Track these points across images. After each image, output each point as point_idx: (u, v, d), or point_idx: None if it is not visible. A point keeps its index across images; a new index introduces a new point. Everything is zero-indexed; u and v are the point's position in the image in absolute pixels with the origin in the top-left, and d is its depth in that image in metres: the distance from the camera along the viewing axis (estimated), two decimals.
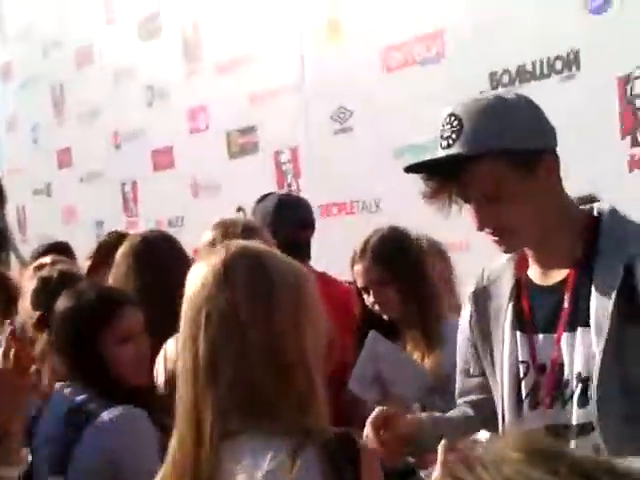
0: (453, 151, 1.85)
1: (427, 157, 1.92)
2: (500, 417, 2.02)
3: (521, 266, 2.02)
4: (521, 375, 1.98)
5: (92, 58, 7.08)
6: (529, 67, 3.46)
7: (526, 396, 1.98)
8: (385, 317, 2.89)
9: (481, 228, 1.92)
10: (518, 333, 1.99)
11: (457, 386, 2.20)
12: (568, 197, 1.96)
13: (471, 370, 2.12)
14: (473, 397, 2.16)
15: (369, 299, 2.89)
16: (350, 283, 3.06)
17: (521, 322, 1.99)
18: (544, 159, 1.89)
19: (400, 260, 2.86)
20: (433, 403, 2.70)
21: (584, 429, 1.89)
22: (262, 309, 1.50)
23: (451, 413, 2.17)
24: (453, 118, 1.87)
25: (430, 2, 4.01)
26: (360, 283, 2.91)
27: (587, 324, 1.87)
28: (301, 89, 4.93)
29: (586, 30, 3.24)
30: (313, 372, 1.51)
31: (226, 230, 2.81)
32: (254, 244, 1.66)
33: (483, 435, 1.83)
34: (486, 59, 3.67)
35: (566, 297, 1.92)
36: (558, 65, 3.34)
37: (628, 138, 3.12)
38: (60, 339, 2.37)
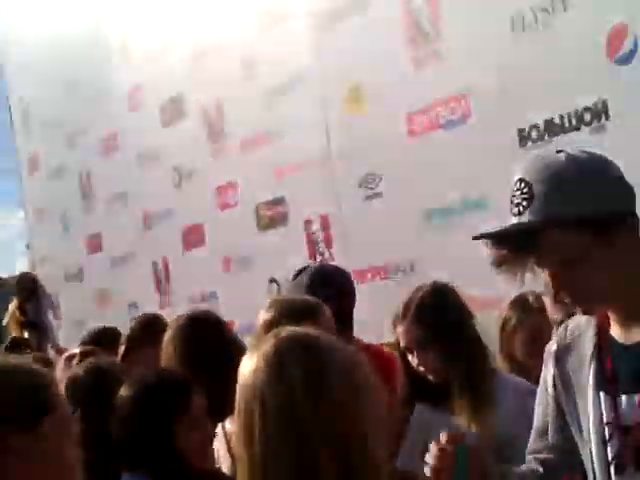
0: (524, 219, 1.83)
1: (498, 226, 1.87)
2: (591, 477, 1.97)
3: (603, 322, 1.97)
4: (607, 437, 1.93)
5: (117, 144, 7.20)
6: (557, 120, 3.49)
7: (612, 459, 1.93)
8: (431, 378, 2.82)
9: (558, 297, 1.90)
10: (602, 394, 1.94)
11: (530, 443, 2.16)
12: None
13: (549, 432, 2.08)
14: (544, 455, 2.12)
15: (414, 360, 2.84)
16: (390, 345, 3.03)
17: (604, 382, 1.94)
18: (619, 223, 1.84)
19: (440, 319, 2.80)
20: None
21: None
22: (316, 400, 1.49)
23: (521, 468, 2.13)
24: (523, 184, 1.84)
25: (454, 64, 4.06)
26: (403, 343, 2.85)
27: None
28: (327, 159, 4.99)
29: (613, 80, 3.27)
30: (375, 458, 1.49)
31: (282, 309, 2.82)
32: (304, 330, 1.63)
33: None
34: (513, 116, 3.70)
35: None
36: (587, 117, 3.37)
37: None
38: (127, 430, 2.31)
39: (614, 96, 3.27)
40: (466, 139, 4.01)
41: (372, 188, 4.72)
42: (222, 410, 2.04)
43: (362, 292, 4.66)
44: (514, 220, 1.84)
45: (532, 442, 2.16)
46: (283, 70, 5.23)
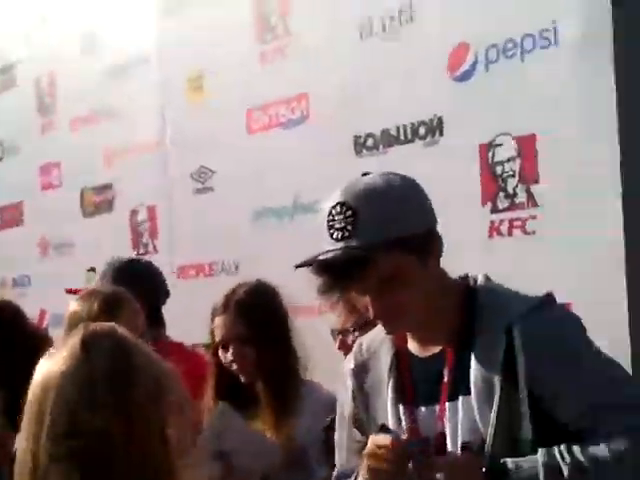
0: (350, 244, 1.81)
1: (321, 254, 1.84)
2: None
3: (399, 338, 2.02)
4: None
5: None
6: (393, 132, 3.47)
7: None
8: (242, 379, 2.76)
9: (378, 317, 1.91)
10: (400, 406, 1.98)
11: (338, 460, 2.17)
12: (444, 272, 1.97)
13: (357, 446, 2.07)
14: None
15: (227, 356, 2.76)
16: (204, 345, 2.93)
17: (403, 395, 1.98)
18: (431, 240, 1.90)
19: (265, 317, 2.75)
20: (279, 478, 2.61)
21: None
22: (118, 398, 1.39)
23: None
24: (345, 208, 1.83)
25: (294, 65, 3.99)
26: (219, 337, 2.76)
27: (468, 392, 1.88)
28: (161, 147, 4.83)
29: (450, 97, 3.28)
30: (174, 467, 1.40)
31: (90, 301, 2.69)
32: (113, 326, 1.52)
33: None
34: (350, 123, 3.67)
35: (446, 367, 1.92)
36: (422, 131, 3.36)
37: (489, 204, 3.14)
38: None
39: (450, 113, 3.28)
40: (303, 141, 3.95)
41: (203, 182, 4.60)
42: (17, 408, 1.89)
43: (184, 288, 4.59)
44: (338, 245, 1.82)
45: (341, 458, 2.16)
46: (124, 50, 5.05)
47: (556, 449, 1.80)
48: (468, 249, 3.18)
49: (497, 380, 1.83)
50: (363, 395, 2.04)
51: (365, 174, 1.91)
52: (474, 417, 1.87)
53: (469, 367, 1.88)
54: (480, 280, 1.98)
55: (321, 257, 1.84)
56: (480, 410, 1.85)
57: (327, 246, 1.84)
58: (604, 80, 2.82)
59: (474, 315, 1.91)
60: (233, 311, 2.74)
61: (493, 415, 1.83)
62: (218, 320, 2.77)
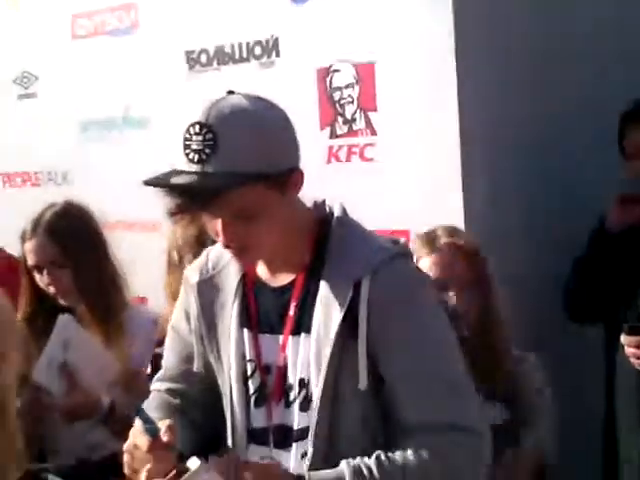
0: (208, 169, 1.70)
1: (173, 173, 1.73)
2: (229, 412, 1.98)
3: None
4: (248, 373, 1.94)
5: None
6: (228, 49, 3.34)
7: (253, 393, 1.95)
8: (62, 302, 2.68)
9: (227, 245, 1.82)
10: (245, 330, 1.94)
11: (165, 369, 2.13)
12: (300, 201, 1.90)
13: (195, 363, 2.03)
14: (180, 386, 2.10)
15: (43, 279, 2.67)
16: None
17: (247, 319, 1.94)
18: (294, 177, 1.81)
19: (77, 238, 2.67)
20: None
21: (303, 433, 1.87)
22: None
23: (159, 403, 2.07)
24: (205, 130, 1.69)
25: None
26: (31, 261, 2.67)
27: (310, 331, 1.85)
28: None
29: (287, 19, 3.17)
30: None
31: None
32: None
33: (193, 463, 1.75)
34: (182, 37, 3.51)
35: (292, 302, 1.89)
36: (258, 50, 3.25)
37: (327, 129, 3.10)
38: None
39: (286, 34, 3.18)
40: (133, 52, 3.75)
41: (26, 87, 4.34)
42: None
43: (10, 197, 4.40)
44: (193, 167, 1.71)
45: (171, 365, 2.12)
46: None
47: (364, 466, 1.77)
48: (306, 174, 3.13)
49: (336, 327, 1.81)
50: (206, 314, 1.99)
51: (230, 92, 1.77)
52: (311, 357, 1.85)
53: (314, 306, 1.85)
54: (336, 212, 1.93)
55: (174, 180, 1.72)
56: (316, 352, 1.84)
57: (181, 165, 1.73)
58: (443, 7, 2.79)
59: (325, 253, 1.87)
60: (43, 234, 2.65)
61: (325, 361, 1.82)
62: (28, 244, 2.67)
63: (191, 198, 1.75)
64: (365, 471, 1.77)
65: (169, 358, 2.13)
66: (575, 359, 3.01)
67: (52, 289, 2.67)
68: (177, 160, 1.73)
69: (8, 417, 1.31)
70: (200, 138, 1.69)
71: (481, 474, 1.86)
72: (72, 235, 2.66)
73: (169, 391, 2.11)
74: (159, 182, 1.75)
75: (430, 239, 2.61)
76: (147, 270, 3.48)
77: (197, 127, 1.69)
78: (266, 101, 1.80)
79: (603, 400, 2.81)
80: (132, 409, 2.25)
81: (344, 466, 1.79)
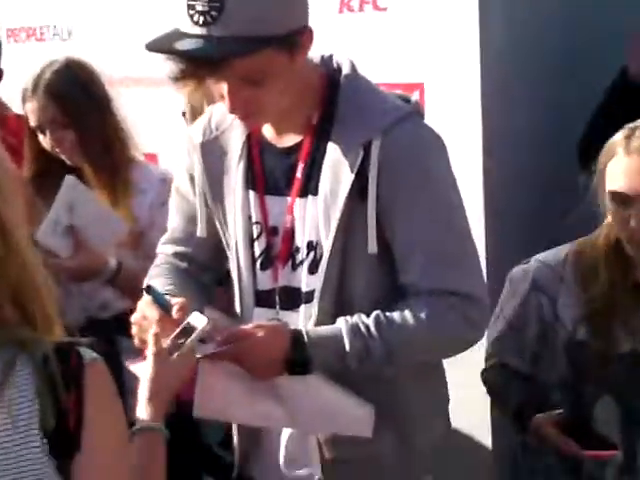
0: (213, 33, 1.63)
1: (176, 36, 1.65)
2: (236, 274, 1.95)
3: None
4: (254, 236, 1.91)
5: None
6: None
7: (259, 256, 1.92)
8: (68, 162, 2.63)
9: (233, 110, 1.76)
10: (251, 192, 1.90)
11: (171, 231, 2.09)
12: (307, 60, 1.82)
13: (198, 227, 1.99)
14: (187, 249, 2.06)
15: (46, 140, 2.61)
16: None
17: (253, 181, 1.89)
18: (303, 37, 1.73)
19: (79, 97, 2.58)
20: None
21: (311, 295, 1.86)
22: None
23: (168, 279, 2.02)
24: None
25: None
26: (33, 122, 2.60)
27: (317, 193, 1.81)
28: None
29: None
30: (27, 256, 1.24)
31: None
32: None
33: (199, 320, 1.72)
34: None
35: (300, 164, 1.84)
36: None
37: None
38: None
39: None
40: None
41: None
42: None
43: (15, 52, 4.29)
44: (198, 30, 1.63)
45: (175, 231, 2.08)
46: None
47: (362, 324, 1.78)
48: (317, 25, 3.01)
49: (346, 190, 1.77)
50: (210, 175, 1.94)
51: None
52: (319, 219, 1.83)
53: (321, 169, 1.81)
54: (345, 69, 1.85)
55: (179, 46, 1.65)
56: (325, 214, 1.81)
57: (185, 27, 1.66)
58: None
59: (334, 113, 1.81)
60: (43, 94, 2.56)
61: (334, 223, 1.79)
62: (29, 105, 2.60)
63: (196, 64, 1.69)
64: (363, 328, 1.78)
65: (174, 220, 2.09)
66: None
67: (56, 149, 2.61)
68: (181, 20, 1.66)
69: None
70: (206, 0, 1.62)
71: (476, 338, 1.89)
72: (73, 93, 2.58)
73: (177, 255, 2.07)
74: (162, 47, 1.68)
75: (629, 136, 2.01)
76: (157, 126, 3.42)
77: None
78: None
79: None
80: (139, 270, 2.24)
81: (342, 323, 1.79)
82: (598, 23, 2.97)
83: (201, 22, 1.63)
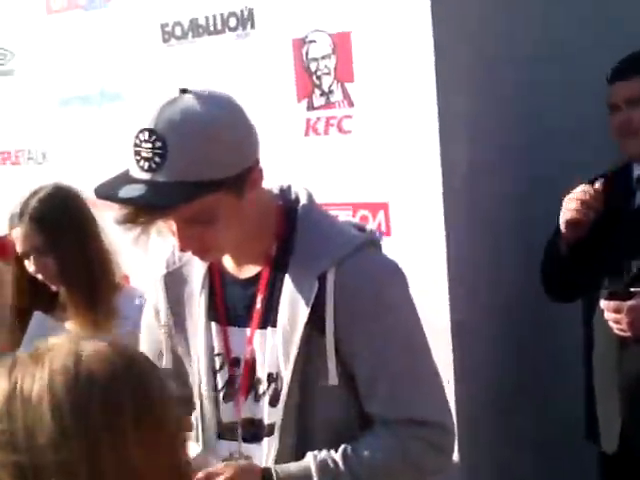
0: (158, 179, 1.63)
1: (123, 181, 1.67)
2: (198, 406, 1.94)
3: None
4: (217, 367, 1.91)
5: None
6: (202, 21, 3.28)
7: (222, 388, 1.91)
8: (53, 288, 2.68)
9: (184, 249, 1.78)
10: (213, 324, 1.90)
11: None
12: (264, 192, 1.83)
13: (164, 358, 1.99)
14: None
15: (31, 266, 2.66)
16: None
17: (215, 312, 1.90)
18: (251, 175, 1.73)
19: (61, 225, 2.63)
20: None
21: (272, 428, 1.84)
22: None
23: None
24: (155, 137, 1.62)
25: None
26: (20, 249, 2.66)
27: (276, 325, 1.82)
28: None
29: None
30: None
31: None
32: None
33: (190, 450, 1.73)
34: (157, 10, 3.44)
35: (259, 295, 1.85)
36: (232, 22, 3.19)
37: (304, 101, 3.05)
38: None
39: (260, 5, 3.12)
40: (107, 26, 3.69)
41: (3, 64, 4.28)
42: None
43: None
44: (144, 176, 1.64)
45: None
46: None
47: (330, 460, 1.78)
48: (285, 147, 3.10)
49: (302, 323, 1.77)
50: (174, 305, 1.95)
51: (184, 91, 1.68)
52: (278, 352, 1.82)
53: (280, 300, 1.82)
54: (302, 200, 1.87)
55: (122, 193, 1.65)
56: (284, 347, 1.80)
57: (133, 171, 1.67)
58: None
59: (291, 245, 1.83)
60: (28, 222, 2.63)
61: (293, 357, 1.79)
62: (15, 232, 2.66)
63: (139, 211, 1.68)
64: (331, 464, 1.77)
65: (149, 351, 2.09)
66: None
67: (39, 276, 2.66)
68: (130, 164, 1.67)
69: None
70: (149, 146, 1.63)
71: (444, 465, 1.89)
72: (56, 222, 2.64)
73: None
74: (106, 194, 1.68)
75: None
76: (130, 248, 3.45)
77: (146, 134, 1.63)
78: (219, 98, 1.72)
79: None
80: None
81: (310, 459, 1.78)
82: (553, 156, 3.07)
83: (146, 167, 1.64)
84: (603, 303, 2.54)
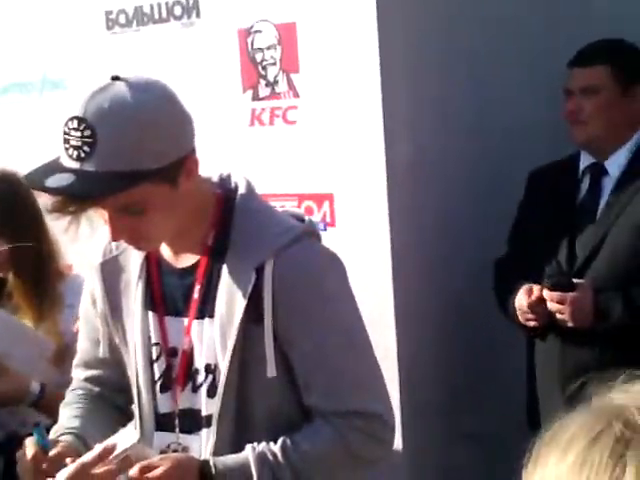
0: (87, 168, 1.60)
1: (52, 169, 1.63)
2: (136, 397, 1.93)
3: None
4: (154, 357, 1.89)
5: None
6: (147, 9, 3.25)
7: (159, 378, 1.90)
8: None
9: (116, 239, 1.76)
10: (150, 313, 1.88)
11: (81, 354, 2.07)
12: (201, 181, 1.81)
13: (100, 347, 1.98)
14: (98, 372, 2.04)
15: None
16: None
17: (152, 302, 1.88)
18: (186, 165, 1.71)
19: (11, 212, 2.59)
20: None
21: (210, 420, 1.84)
22: None
23: (82, 406, 2.02)
24: (84, 126, 1.59)
25: None
26: None
27: (214, 315, 1.80)
28: None
29: None
30: None
31: None
32: None
33: (127, 439, 1.73)
34: None
35: (196, 285, 1.83)
36: (177, 10, 3.16)
37: (249, 92, 3.04)
38: None
39: None
40: (50, 12, 3.63)
41: None
42: None
43: None
44: (73, 165, 1.62)
45: (85, 352, 2.07)
46: None
47: (269, 452, 1.77)
48: (230, 137, 3.09)
49: (240, 314, 1.76)
50: (111, 294, 1.93)
51: (115, 78, 1.65)
52: (215, 342, 1.81)
53: (217, 291, 1.81)
54: (241, 189, 1.85)
55: (49, 182, 1.61)
56: (221, 338, 1.79)
57: (63, 159, 1.64)
58: None
59: (229, 234, 1.81)
60: None
61: (229, 348, 1.77)
62: None
63: (66, 200, 1.65)
64: (270, 456, 1.77)
65: (82, 343, 2.08)
66: None
67: None
68: (60, 151, 1.64)
69: None
70: (78, 134, 1.60)
71: (384, 455, 1.90)
72: (5, 209, 2.59)
73: (88, 379, 2.06)
74: (34, 182, 1.67)
75: None
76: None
77: (75, 122, 1.60)
78: (152, 86, 1.69)
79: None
80: (63, 386, 2.23)
81: (249, 451, 1.78)
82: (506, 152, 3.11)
83: (75, 156, 1.61)
84: (546, 293, 2.58)
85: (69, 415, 1.98)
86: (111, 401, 2.05)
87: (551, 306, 2.59)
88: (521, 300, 2.65)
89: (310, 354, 1.79)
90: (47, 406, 2.46)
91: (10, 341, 2.50)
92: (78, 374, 2.09)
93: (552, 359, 2.69)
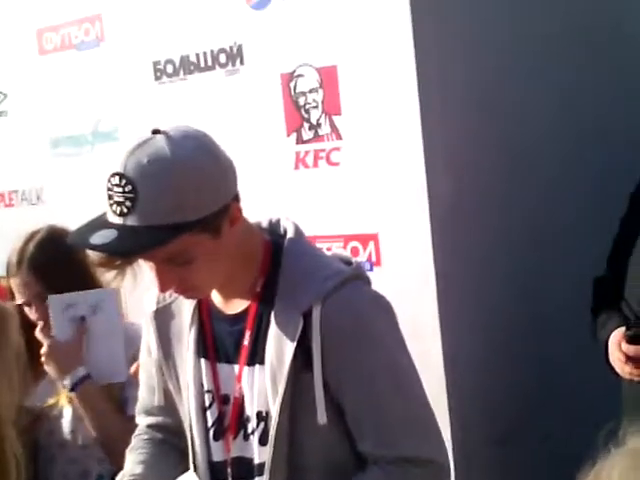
0: (129, 223, 1.62)
1: (97, 225, 1.66)
2: (190, 444, 1.93)
3: None
4: (206, 404, 1.89)
5: None
6: (193, 58, 3.33)
7: (211, 426, 1.90)
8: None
9: (164, 290, 1.78)
10: (202, 360, 1.89)
11: (141, 402, 2.11)
12: (249, 228, 1.83)
13: (155, 395, 2.00)
14: (158, 419, 2.08)
15: (32, 314, 2.64)
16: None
17: (204, 348, 1.89)
18: (229, 213, 1.72)
19: (60, 271, 2.62)
20: None
21: (263, 468, 1.81)
22: None
23: (145, 457, 2.05)
24: (125, 181, 1.61)
25: None
26: (19, 299, 2.64)
27: (264, 362, 1.80)
28: None
29: (249, 25, 3.16)
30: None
31: None
32: None
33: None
34: (148, 48, 3.49)
35: (247, 332, 1.83)
36: (222, 58, 3.24)
37: (293, 135, 3.09)
38: None
39: (249, 41, 3.17)
40: (100, 64, 3.74)
41: None
42: None
43: None
44: (116, 220, 1.64)
45: (145, 400, 2.09)
46: None
47: None
48: (275, 181, 3.14)
49: (289, 361, 1.75)
50: (164, 342, 1.94)
51: (156, 132, 1.66)
52: (266, 389, 1.80)
53: (267, 337, 1.80)
54: (289, 234, 1.85)
55: (93, 239, 1.63)
56: (272, 385, 1.78)
57: (108, 215, 1.66)
58: (401, 8, 2.79)
59: (277, 280, 1.80)
60: (26, 271, 2.62)
61: (280, 394, 1.76)
62: (14, 281, 2.65)
63: (111, 256, 1.69)
64: None
65: (142, 391, 2.11)
66: None
67: (40, 323, 2.62)
68: (106, 207, 1.67)
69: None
70: (120, 190, 1.61)
71: None
72: (55, 267, 2.62)
73: (150, 426, 2.09)
74: (78, 241, 1.70)
75: None
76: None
77: (117, 178, 1.62)
78: (192, 138, 1.69)
79: None
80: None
81: None
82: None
83: (118, 212, 1.63)
84: (625, 347, 2.30)
85: (134, 460, 2.02)
86: (175, 445, 2.05)
87: (625, 361, 2.30)
88: (613, 353, 2.36)
89: (360, 400, 1.77)
90: (84, 401, 2.53)
91: (104, 327, 2.56)
92: (141, 420, 2.12)
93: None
